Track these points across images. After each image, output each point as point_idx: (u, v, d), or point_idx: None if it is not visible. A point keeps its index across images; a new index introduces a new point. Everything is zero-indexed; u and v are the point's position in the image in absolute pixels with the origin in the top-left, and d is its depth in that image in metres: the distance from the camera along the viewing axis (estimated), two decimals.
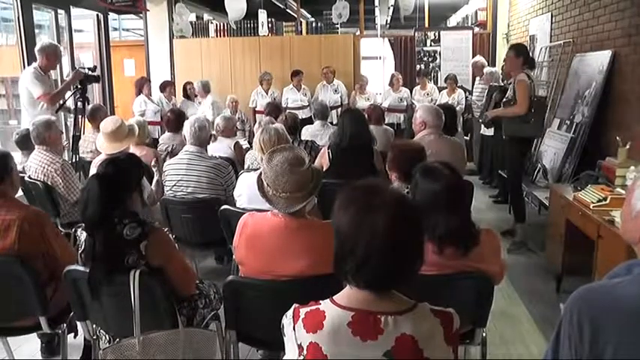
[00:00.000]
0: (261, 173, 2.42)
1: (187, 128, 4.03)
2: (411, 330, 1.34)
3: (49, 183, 4.09)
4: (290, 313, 1.45)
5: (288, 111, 6.43)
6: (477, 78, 7.91)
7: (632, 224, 1.37)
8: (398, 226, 1.34)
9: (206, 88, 8.12)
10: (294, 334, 1.41)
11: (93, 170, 3.64)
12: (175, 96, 8.35)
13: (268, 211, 2.42)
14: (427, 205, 2.25)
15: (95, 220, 2.33)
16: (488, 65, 8.11)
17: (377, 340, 1.34)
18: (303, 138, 5.26)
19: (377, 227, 1.33)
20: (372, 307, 1.37)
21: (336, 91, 8.74)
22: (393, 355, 1.33)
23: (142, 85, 7.88)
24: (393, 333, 1.34)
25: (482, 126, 6.91)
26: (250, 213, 2.50)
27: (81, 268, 2.39)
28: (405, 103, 8.61)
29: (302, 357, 1.39)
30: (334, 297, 1.43)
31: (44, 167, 4.08)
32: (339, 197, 1.44)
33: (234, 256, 2.56)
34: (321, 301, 1.44)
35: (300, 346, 1.39)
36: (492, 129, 6.66)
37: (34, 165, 4.12)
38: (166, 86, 8.21)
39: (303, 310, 1.42)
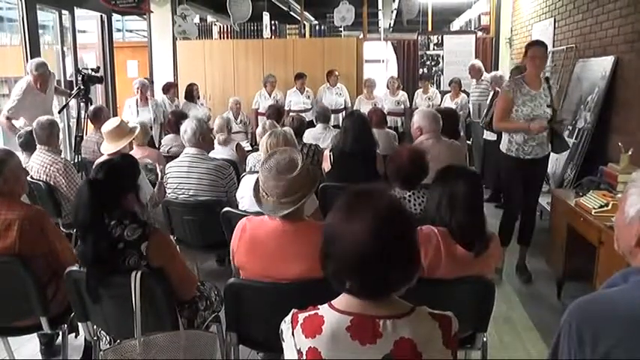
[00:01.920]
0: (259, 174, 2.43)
1: (183, 131, 4.00)
2: (410, 333, 1.35)
3: (52, 183, 4.11)
4: (288, 318, 1.45)
5: (295, 113, 6.41)
6: (474, 81, 7.92)
7: (626, 231, 1.36)
8: (380, 234, 1.33)
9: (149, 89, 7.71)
10: (293, 339, 1.41)
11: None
12: (178, 97, 8.35)
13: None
14: (449, 204, 2.36)
15: (86, 224, 2.32)
16: (488, 69, 8.12)
17: (376, 344, 1.34)
18: (306, 141, 5.26)
19: (353, 234, 1.33)
20: (371, 311, 1.37)
21: (339, 94, 8.73)
22: (392, 359, 1.34)
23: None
24: (391, 337, 1.34)
25: (485, 130, 6.91)
26: (248, 217, 2.49)
27: (82, 269, 2.39)
28: (403, 107, 8.59)
29: None
30: (332, 302, 1.43)
31: (46, 167, 4.09)
32: (335, 202, 1.45)
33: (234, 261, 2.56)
34: (319, 306, 1.44)
35: (299, 352, 1.39)
36: (495, 134, 6.65)
37: (35, 165, 4.13)
38: (170, 88, 8.19)
39: (301, 316, 1.42)
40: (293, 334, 1.41)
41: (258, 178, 2.41)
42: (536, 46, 4.32)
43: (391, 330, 1.34)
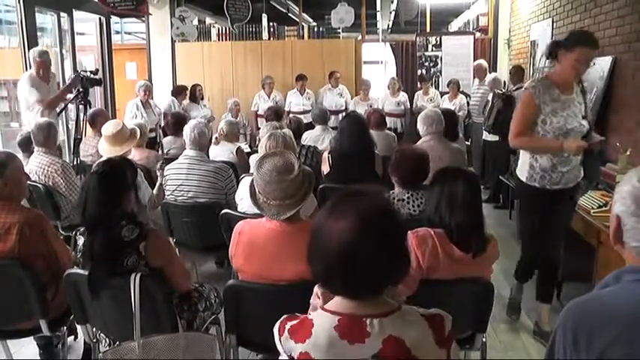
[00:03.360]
0: (252, 180, 2.42)
1: (187, 133, 4.03)
2: (397, 332, 1.34)
3: (50, 184, 4.12)
4: (277, 325, 1.45)
5: (293, 115, 6.41)
6: (477, 81, 7.92)
7: (610, 228, 1.39)
8: (363, 232, 1.32)
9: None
10: (282, 346, 1.42)
11: None
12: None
13: (264, 216, 2.41)
14: (449, 204, 2.37)
15: (96, 217, 2.34)
16: (490, 70, 8.12)
17: (364, 344, 1.34)
18: (304, 143, 5.26)
19: (336, 231, 1.34)
20: (358, 310, 1.37)
21: (340, 95, 8.73)
22: (382, 358, 1.33)
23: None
24: (379, 335, 1.34)
25: (485, 131, 6.92)
26: (245, 220, 2.50)
27: (81, 271, 2.40)
28: (403, 108, 8.58)
29: None
30: (325, 305, 1.44)
31: (44, 168, 4.10)
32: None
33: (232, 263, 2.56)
34: (311, 312, 1.46)
35: (290, 357, 1.40)
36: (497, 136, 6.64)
37: (34, 167, 4.14)
38: (182, 91, 8.22)
39: (289, 323, 1.43)
40: (280, 340, 1.42)
41: (252, 185, 2.41)
42: (587, 47, 3.12)
43: (378, 328, 1.34)
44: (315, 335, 1.36)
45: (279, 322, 1.46)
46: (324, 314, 1.39)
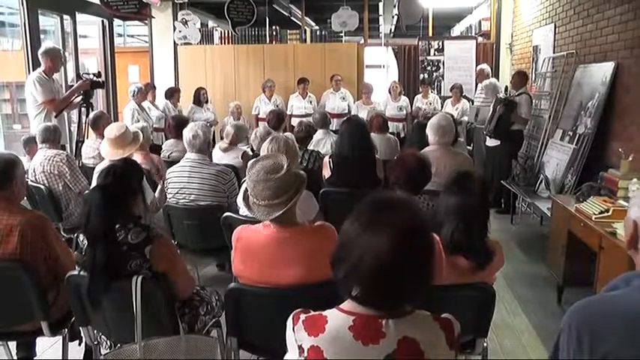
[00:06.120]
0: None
1: (184, 136, 4.05)
2: (413, 332, 1.35)
3: (56, 172, 4.23)
4: (291, 315, 1.47)
5: (307, 121, 6.38)
6: (479, 85, 7.92)
7: (626, 231, 1.40)
8: (403, 250, 1.32)
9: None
10: (294, 335, 1.42)
11: (95, 176, 3.65)
12: (179, 102, 8.35)
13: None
14: (450, 213, 2.35)
15: (97, 232, 2.33)
16: (492, 75, 8.13)
17: (379, 344, 1.34)
18: (307, 147, 5.25)
19: (373, 247, 1.32)
20: (374, 312, 1.37)
21: (343, 99, 8.73)
22: (395, 359, 1.33)
23: (148, 91, 7.83)
24: (394, 336, 1.34)
25: (487, 137, 6.92)
26: (243, 226, 2.50)
27: (83, 273, 2.39)
28: (405, 112, 8.57)
29: (302, 357, 1.40)
30: (340, 305, 1.44)
31: (50, 159, 4.23)
32: (357, 206, 1.43)
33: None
34: (327, 310, 1.44)
35: (300, 347, 1.40)
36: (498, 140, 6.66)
37: (38, 160, 4.24)
38: (174, 92, 8.25)
39: (303, 315, 1.44)
40: (294, 329, 1.43)
41: (246, 187, 2.43)
42: None
43: (394, 329, 1.35)
44: (327, 333, 1.37)
45: (293, 313, 1.47)
46: (339, 314, 1.40)
